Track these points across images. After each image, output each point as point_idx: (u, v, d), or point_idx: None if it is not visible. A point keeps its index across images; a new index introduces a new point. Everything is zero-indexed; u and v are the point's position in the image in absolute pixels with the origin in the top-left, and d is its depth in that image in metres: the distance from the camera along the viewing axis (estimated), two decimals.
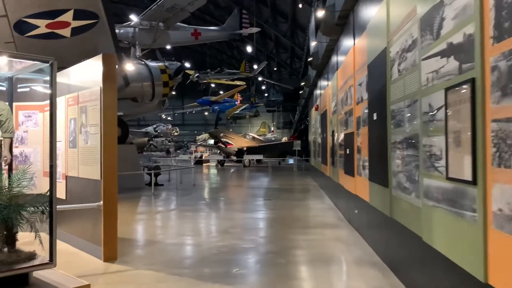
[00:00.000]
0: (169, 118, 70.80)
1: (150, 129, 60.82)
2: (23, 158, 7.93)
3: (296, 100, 36.67)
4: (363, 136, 7.07)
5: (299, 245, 6.85)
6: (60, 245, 7.01)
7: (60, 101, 7.26)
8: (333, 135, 11.49)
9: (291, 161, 38.03)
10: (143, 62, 17.60)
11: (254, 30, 31.10)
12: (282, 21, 44.81)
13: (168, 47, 35.78)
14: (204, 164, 37.08)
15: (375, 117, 6.10)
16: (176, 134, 63.44)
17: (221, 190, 16.61)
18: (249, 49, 55.33)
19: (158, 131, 59.98)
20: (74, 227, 6.79)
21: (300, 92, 22.60)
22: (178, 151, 60.87)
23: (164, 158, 40.64)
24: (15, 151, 7.90)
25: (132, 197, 13.48)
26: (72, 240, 6.79)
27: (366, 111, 6.76)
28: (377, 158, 5.97)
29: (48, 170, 7.76)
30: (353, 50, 8.09)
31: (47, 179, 7.77)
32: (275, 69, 57.10)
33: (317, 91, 17.54)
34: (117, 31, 24.66)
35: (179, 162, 34.48)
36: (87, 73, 6.48)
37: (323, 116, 14.17)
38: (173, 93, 67.52)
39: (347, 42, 9.36)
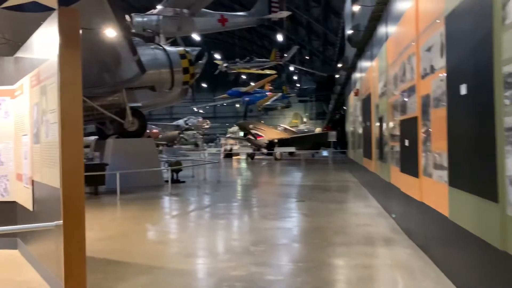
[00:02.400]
0: (200, 111, 69.73)
1: (181, 122, 59.92)
2: None
3: (330, 88, 34.27)
4: (436, 121, 4.97)
5: (344, 277, 4.87)
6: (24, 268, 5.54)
7: (25, 83, 5.56)
8: (380, 123, 9.37)
9: (325, 153, 35.81)
10: (161, 47, 15.89)
11: (285, 14, 28.85)
12: (315, 5, 42.28)
13: (195, 36, 34.27)
14: (233, 157, 35.44)
15: (463, 91, 4.01)
16: (207, 126, 62.36)
17: (248, 188, 14.75)
18: (279, 37, 53.04)
19: (189, 124, 59.01)
20: (38, 247, 5.11)
21: (337, 77, 20.37)
22: (211, 143, 59.71)
23: (192, 151, 39.30)
24: None
25: (143, 198, 11.82)
26: (37, 265, 5.11)
27: (443, 84, 4.66)
28: (471, 154, 3.89)
29: (22, 172, 6.15)
30: (415, 2, 5.94)
31: (21, 184, 6.18)
32: (307, 57, 54.57)
33: (357, 74, 15.31)
34: (140, 19, 23.18)
35: (208, 156, 33.00)
36: (45, 40, 4.69)
37: (365, 102, 12.01)
38: (205, 85, 66.29)
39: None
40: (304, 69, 39.97)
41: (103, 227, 7.94)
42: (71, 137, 4.21)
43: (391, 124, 7.94)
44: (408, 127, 6.41)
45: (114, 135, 15.57)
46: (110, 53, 12.03)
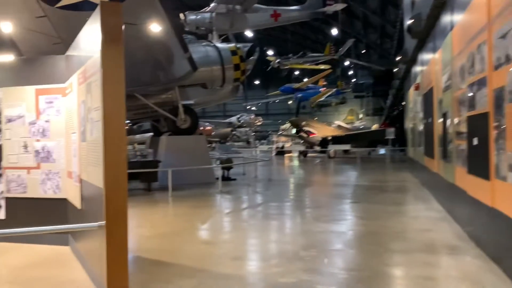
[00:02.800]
0: (253, 108, 69.96)
1: (233, 119, 60.42)
2: (45, 154, 6.43)
3: (388, 83, 32.87)
4: None
5: None
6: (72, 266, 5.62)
7: (74, 80, 5.56)
8: (444, 119, 8.64)
9: (382, 151, 34.52)
10: (212, 44, 15.86)
11: (340, 6, 27.95)
12: None
13: (247, 32, 34.21)
14: (285, 155, 35.06)
15: None
16: (259, 124, 62.43)
17: (300, 187, 14.36)
18: (334, 31, 51.82)
19: (242, 121, 59.35)
20: (85, 246, 5.08)
21: (395, 70, 19.36)
22: (263, 141, 59.74)
23: (244, 148, 39.40)
24: (37, 145, 6.44)
25: (195, 195, 11.81)
26: (84, 264, 5.10)
27: None
28: None
29: (72, 170, 6.20)
30: None
31: (72, 182, 6.23)
32: (363, 51, 52.87)
33: (417, 68, 14.40)
34: (193, 17, 23.38)
35: (259, 153, 32.92)
36: (90, 36, 4.61)
37: (427, 97, 11.21)
38: (257, 82, 66.39)
39: None
40: (360, 63, 38.56)
41: (154, 225, 7.92)
42: (113, 136, 4.08)
43: (456, 121, 7.25)
44: (477, 124, 5.76)
45: (167, 133, 15.77)
46: (162, 51, 12.12)
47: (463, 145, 6.68)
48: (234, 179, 15.67)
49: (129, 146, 29.29)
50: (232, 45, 16.02)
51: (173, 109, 15.39)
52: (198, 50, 15.27)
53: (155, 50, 11.96)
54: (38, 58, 6.80)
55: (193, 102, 17.24)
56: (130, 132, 28.47)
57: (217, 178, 15.38)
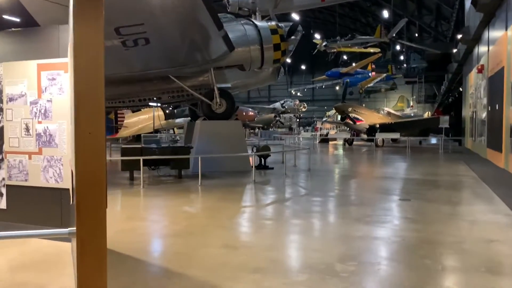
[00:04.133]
0: (298, 94, 68.37)
1: (277, 105, 59.28)
2: (47, 138, 5.71)
3: (443, 68, 30.46)
4: None
5: None
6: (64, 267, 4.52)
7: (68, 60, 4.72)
8: None
9: (433, 140, 32.29)
10: (251, 22, 14.76)
11: None
12: None
13: (294, 15, 32.72)
14: (330, 143, 33.63)
15: None
16: (304, 110, 60.93)
17: (342, 179, 13.13)
18: (385, 13, 49.01)
19: (286, 107, 58.11)
20: (73, 246, 4.27)
21: (454, 51, 17.40)
22: (308, 127, 58.32)
23: (286, 135, 38.28)
24: (38, 128, 5.74)
25: (225, 184, 10.94)
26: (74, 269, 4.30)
27: None
28: None
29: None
30: None
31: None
32: (416, 34, 49.71)
33: (481, 47, 12.64)
34: None
35: (302, 140, 31.76)
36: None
37: (495, 80, 9.62)
38: (303, 67, 64.80)
39: None
40: (414, 45, 35.98)
41: (173, 220, 7.10)
42: (87, 120, 3.15)
43: None
44: None
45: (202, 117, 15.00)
46: (195, 28, 11.22)
47: None
48: (271, 168, 14.70)
49: (170, 130, 29.13)
50: (272, 23, 14.84)
51: (209, 92, 14.57)
52: (236, 28, 14.25)
53: (187, 27, 11.08)
54: (40, 28, 6.07)
55: (230, 85, 16.34)
56: (171, 115, 28.25)
57: (255, 166, 14.58)
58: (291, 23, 15.45)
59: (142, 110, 25.74)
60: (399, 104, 54.61)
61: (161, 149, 11.76)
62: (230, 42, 13.05)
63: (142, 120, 25.68)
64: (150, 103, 14.70)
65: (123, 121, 20.87)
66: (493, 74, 9.78)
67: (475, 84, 13.17)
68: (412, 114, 38.08)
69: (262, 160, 15.03)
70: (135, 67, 12.85)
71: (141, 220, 6.87)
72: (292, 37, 15.20)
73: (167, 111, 26.96)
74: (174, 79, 13.89)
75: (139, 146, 12.30)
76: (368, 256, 5.13)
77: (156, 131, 25.79)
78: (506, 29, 8.27)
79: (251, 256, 5.08)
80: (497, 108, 9.09)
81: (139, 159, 10.70)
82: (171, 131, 28.40)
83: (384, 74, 50.31)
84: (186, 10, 10.14)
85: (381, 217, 7.26)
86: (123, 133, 24.26)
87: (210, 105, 14.39)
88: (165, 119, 26.54)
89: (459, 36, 13.44)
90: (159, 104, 14.95)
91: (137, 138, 22.73)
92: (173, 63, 13.10)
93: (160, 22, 9.95)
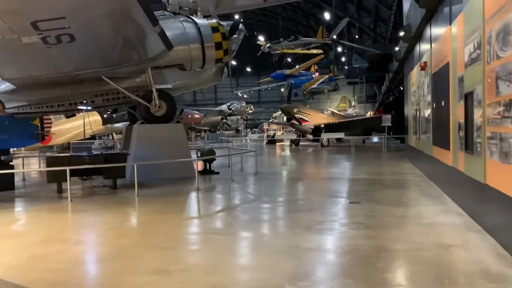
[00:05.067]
0: (245, 96, 67.96)
1: (224, 107, 58.46)
2: None
3: (383, 68, 31.12)
4: None
5: None
6: None
7: None
8: (466, 102, 6.93)
9: (375, 139, 33.00)
10: (190, 19, 13.93)
11: None
12: None
13: (236, 16, 32.11)
14: (277, 144, 33.38)
15: None
16: (250, 111, 60.59)
17: (290, 182, 12.64)
18: (327, 16, 49.82)
19: (232, 109, 57.46)
20: None
21: (396, 49, 17.53)
22: (255, 129, 58.03)
23: (233, 137, 37.66)
24: None
25: (165, 193, 10.06)
26: None
27: None
28: None
29: None
30: None
31: None
32: (356, 36, 50.95)
33: (423, 45, 12.65)
34: None
35: (249, 142, 31.22)
36: None
37: (439, 76, 9.49)
38: (248, 69, 64.38)
39: None
40: (355, 45, 36.63)
41: (99, 240, 6.17)
42: None
43: (491, 101, 5.52)
44: None
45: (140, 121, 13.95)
46: (126, 24, 10.21)
47: (508, 133, 4.96)
48: (217, 173, 13.94)
49: (108, 136, 27.44)
50: (213, 21, 14.10)
51: (147, 94, 13.54)
52: (174, 26, 13.37)
53: (117, 22, 10.07)
54: None
55: (171, 86, 15.39)
56: (109, 120, 26.60)
57: (200, 171, 13.73)
58: (232, 22, 14.76)
59: (77, 115, 23.99)
60: (342, 105, 55.74)
61: (93, 157, 10.64)
62: (167, 40, 12.16)
63: (77, 126, 23.93)
64: (80, 107, 13.39)
65: (50, 127, 19.23)
66: (437, 70, 9.67)
67: (417, 81, 13.19)
68: (354, 114, 38.76)
69: (207, 164, 14.24)
70: (62, 67, 11.61)
71: (60, 243, 5.87)
72: (234, 35, 14.52)
73: (105, 116, 25.33)
74: (108, 81, 12.77)
75: (68, 154, 11.08)
76: (321, 273, 4.54)
77: (93, 137, 24.12)
78: (450, 23, 8.08)
79: (188, 282, 4.31)
80: (442, 104, 8.94)
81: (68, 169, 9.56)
82: (110, 137, 26.76)
83: (327, 76, 51.09)
84: (114, 4, 9.15)
85: (332, 223, 6.74)
86: (56, 140, 22.45)
87: (148, 108, 13.38)
88: (103, 124, 24.91)
89: (401, 34, 13.38)
90: (89, 108, 13.65)
91: None
92: (105, 63, 11.98)
93: (85, 16, 8.89)
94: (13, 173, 11.27)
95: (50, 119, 18.54)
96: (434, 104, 10.18)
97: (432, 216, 6.98)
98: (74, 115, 23.67)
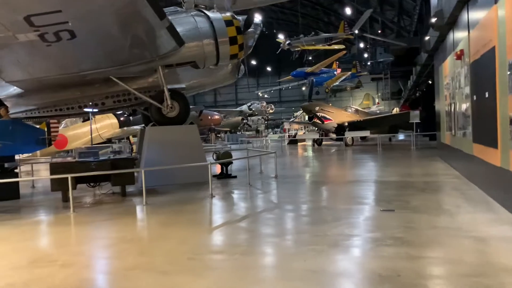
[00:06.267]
0: (266, 96, 67.01)
1: (244, 107, 57.71)
2: None
3: (409, 62, 29.69)
4: None
5: None
6: None
7: None
8: None
9: (401, 137, 31.58)
10: (202, 13, 13.06)
11: None
12: None
13: (255, 15, 31.23)
14: (299, 144, 32.30)
15: None
16: (271, 111, 59.67)
17: (313, 186, 11.61)
18: (348, 11, 48.39)
19: (253, 109, 56.64)
20: None
21: (426, 38, 16.24)
22: (276, 129, 57.07)
23: (253, 138, 36.76)
24: None
25: (176, 201, 9.20)
26: None
27: None
28: None
29: None
30: None
31: None
32: (379, 31, 49.30)
33: (458, 32, 11.44)
34: None
35: (270, 142, 30.27)
36: None
37: (481, 64, 8.32)
38: (269, 69, 63.56)
39: None
40: (379, 38, 35.12)
41: (90, 262, 5.32)
42: None
43: None
44: None
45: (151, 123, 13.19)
46: (130, 17, 9.40)
47: None
48: (235, 177, 13.04)
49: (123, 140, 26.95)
50: (227, 14, 13.18)
51: (158, 94, 12.78)
52: (185, 21, 12.49)
53: (120, 16, 9.26)
54: None
55: (184, 86, 14.60)
56: (126, 123, 26.06)
57: (216, 176, 12.91)
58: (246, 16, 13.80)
59: (93, 118, 23.54)
60: (365, 102, 54.18)
61: (98, 163, 9.89)
62: (178, 35, 11.31)
63: (94, 129, 23.46)
64: (86, 109, 12.73)
65: (57, 131, 18.73)
66: (477, 58, 8.49)
67: (451, 73, 11.98)
68: (378, 112, 37.35)
69: (224, 168, 13.36)
70: (65, 68, 10.92)
71: (47, 265, 5.05)
72: (250, 29, 13.58)
73: (121, 118, 24.79)
74: (117, 81, 12.06)
75: (73, 160, 10.38)
76: None
77: (109, 140, 23.62)
78: (496, 2, 6.93)
79: None
80: (486, 96, 7.77)
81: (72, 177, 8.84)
82: (126, 140, 26.23)
83: (349, 72, 49.65)
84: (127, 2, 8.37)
85: (363, 238, 5.72)
86: (72, 144, 22.01)
87: (160, 109, 12.61)
88: (120, 127, 24.36)
89: (433, 20, 12.16)
90: (95, 110, 12.97)
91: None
92: (112, 62, 11.24)
93: (82, 9, 8.11)
94: (17, 181, 10.65)
95: (56, 123, 18.07)
96: (475, 96, 9.00)
97: (483, 228, 5.87)
98: (88, 118, 23.26)
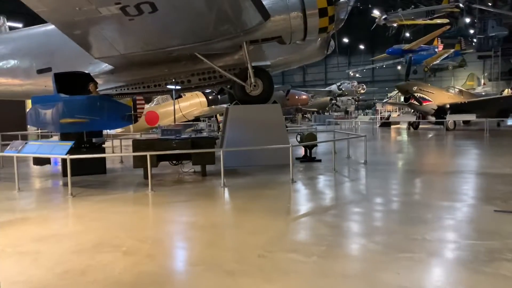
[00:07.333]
0: (357, 75, 64.11)
1: (333, 87, 55.87)
2: None
3: None
4: None
5: None
6: None
7: None
8: None
9: (510, 122, 27.98)
10: None
11: None
12: None
13: None
14: (392, 127, 30.18)
15: None
16: (362, 91, 57.06)
17: (407, 176, 10.32)
18: None
19: (343, 89, 54.60)
20: None
21: None
22: (368, 110, 54.55)
23: (342, 120, 35.19)
24: None
25: (255, 185, 8.63)
26: None
27: None
28: None
29: None
30: None
31: None
32: (489, 4, 43.93)
33: None
34: None
35: (360, 125, 28.69)
36: None
37: None
38: (362, 47, 60.64)
39: None
40: (492, 9, 31.09)
41: (156, 250, 4.93)
42: None
43: None
44: None
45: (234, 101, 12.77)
46: None
47: None
48: (319, 160, 12.21)
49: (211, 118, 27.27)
50: None
51: (242, 71, 12.29)
52: None
53: None
54: None
55: (270, 63, 13.94)
56: (214, 101, 26.28)
57: (299, 158, 12.26)
58: None
59: (183, 96, 24.06)
60: (469, 83, 49.08)
61: (180, 141, 9.68)
62: (263, 8, 10.62)
63: (184, 107, 23.99)
64: (169, 86, 12.68)
65: (142, 108, 19.22)
66: None
67: None
68: (483, 94, 33.45)
69: (308, 150, 12.56)
70: (150, 43, 10.80)
71: (109, 251, 4.76)
72: (341, 0, 12.38)
73: (210, 97, 25.04)
74: (202, 58, 11.78)
75: (155, 138, 10.32)
76: None
77: (197, 118, 23.99)
78: None
79: None
80: None
81: (153, 154, 8.77)
82: (214, 119, 26.55)
83: (452, 50, 45.20)
84: None
85: (472, 247, 4.61)
86: (164, 121, 22.71)
87: (243, 87, 12.12)
88: (208, 106, 24.64)
89: None
90: (178, 87, 12.87)
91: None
92: (195, 37, 10.89)
93: None
94: (104, 157, 10.93)
95: (142, 99, 18.55)
96: None
97: None
98: (180, 96, 23.77)
